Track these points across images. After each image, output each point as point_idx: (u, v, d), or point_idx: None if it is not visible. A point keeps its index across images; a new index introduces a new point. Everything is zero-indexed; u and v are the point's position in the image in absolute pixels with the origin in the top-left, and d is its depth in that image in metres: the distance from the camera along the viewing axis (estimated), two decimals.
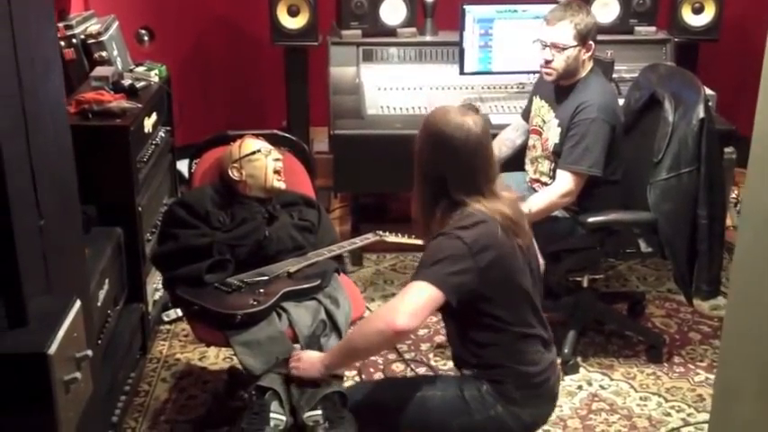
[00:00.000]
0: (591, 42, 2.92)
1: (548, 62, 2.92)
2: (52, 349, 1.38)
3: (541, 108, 3.08)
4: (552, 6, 3.02)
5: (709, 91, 3.88)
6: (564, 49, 2.87)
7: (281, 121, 4.35)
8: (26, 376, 1.39)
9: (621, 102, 3.18)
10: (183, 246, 2.56)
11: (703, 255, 2.83)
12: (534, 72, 3.87)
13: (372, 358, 3.09)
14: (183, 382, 2.98)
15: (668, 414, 2.80)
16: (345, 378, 2.83)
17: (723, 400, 1.91)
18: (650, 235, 2.94)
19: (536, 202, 2.85)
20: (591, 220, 2.83)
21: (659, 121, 2.91)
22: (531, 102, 3.21)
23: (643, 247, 2.99)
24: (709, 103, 2.90)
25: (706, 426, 2.70)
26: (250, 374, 2.32)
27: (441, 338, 3.21)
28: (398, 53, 3.97)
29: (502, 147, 3.23)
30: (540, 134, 3.06)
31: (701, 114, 2.78)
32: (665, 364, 3.07)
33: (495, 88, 3.84)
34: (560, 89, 2.99)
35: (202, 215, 2.63)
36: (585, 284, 3.14)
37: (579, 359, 3.07)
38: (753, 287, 1.68)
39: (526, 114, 3.24)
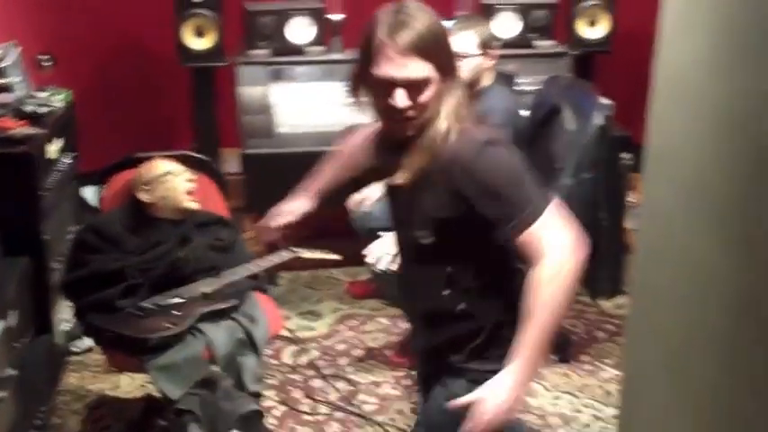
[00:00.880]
0: (491, 52, 3.04)
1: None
2: None
3: None
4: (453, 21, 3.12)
5: (606, 101, 4.07)
6: (468, 57, 2.97)
7: (190, 143, 4.31)
8: None
9: (526, 113, 3.30)
10: (94, 271, 2.52)
11: (604, 255, 2.95)
12: None
13: (291, 376, 3.09)
14: (96, 412, 2.91)
15: (579, 411, 2.91)
16: (264, 397, 2.84)
17: (630, 393, 2.00)
18: None
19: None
20: None
21: (560, 130, 3.04)
22: None
23: None
24: (607, 112, 3.04)
25: (615, 420, 2.82)
26: (168, 399, 2.30)
27: (359, 352, 3.24)
28: (308, 71, 3.98)
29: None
30: None
31: (599, 121, 2.92)
32: (575, 363, 3.18)
33: None
34: None
35: (113, 239, 2.59)
36: None
37: None
38: (651, 283, 1.77)
39: None
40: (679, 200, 1.66)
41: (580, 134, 2.95)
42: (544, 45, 4.22)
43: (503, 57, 4.05)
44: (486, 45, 3.02)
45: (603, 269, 2.94)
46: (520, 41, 4.18)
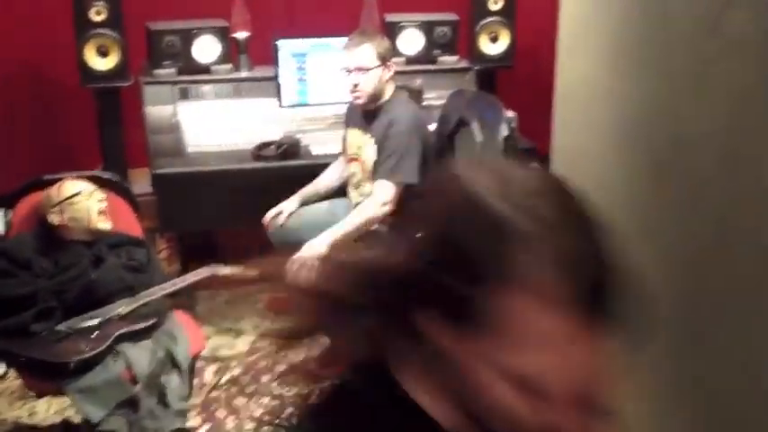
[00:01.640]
0: (390, 63, 3.09)
1: (355, 85, 3.06)
2: None
3: (355, 136, 3.23)
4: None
5: (510, 113, 4.22)
6: (368, 70, 3.03)
7: (95, 164, 4.21)
8: None
9: (433, 126, 3.39)
10: (5, 296, 2.45)
11: None
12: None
13: (213, 394, 3.06)
14: None
15: None
16: (189, 415, 2.80)
17: None
18: None
19: (357, 213, 3.01)
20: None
21: (469, 142, 3.14)
22: (345, 136, 3.34)
23: None
24: (512, 123, 3.16)
25: None
26: (89, 423, 2.25)
27: (282, 367, 3.23)
28: (215, 89, 3.97)
29: (330, 182, 3.39)
30: (358, 160, 3.19)
31: (505, 132, 3.03)
32: None
33: (313, 120, 3.95)
34: (369, 113, 3.14)
35: (23, 263, 2.53)
36: None
37: None
38: None
39: (344, 148, 3.37)
40: None
41: (488, 146, 3.06)
42: (448, 60, 4.34)
43: (408, 73, 4.17)
44: (383, 57, 3.07)
45: None
46: (424, 57, 4.28)
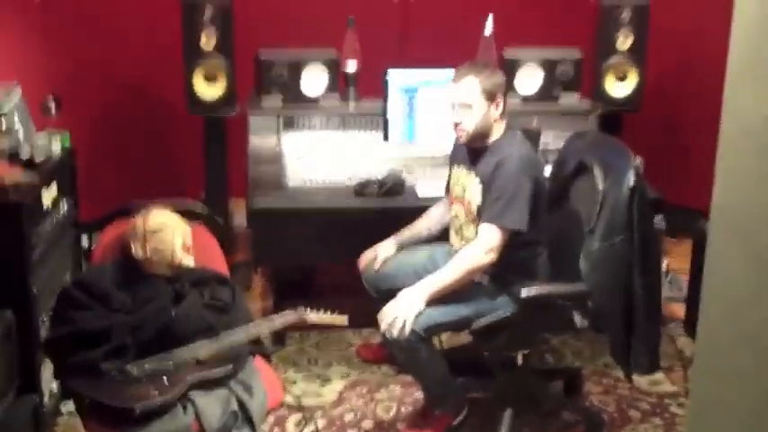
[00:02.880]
0: (499, 99, 2.81)
1: (457, 124, 2.82)
2: None
3: (460, 175, 2.97)
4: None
5: (638, 159, 3.87)
6: (471, 106, 2.77)
7: (199, 192, 4.15)
8: None
9: (548, 169, 3.10)
10: (78, 330, 2.31)
11: (640, 326, 2.71)
12: None
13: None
14: None
15: None
16: None
17: None
18: (585, 308, 2.80)
19: (458, 261, 2.76)
20: (524, 294, 2.67)
21: (588, 190, 2.82)
22: (450, 173, 3.09)
23: (578, 321, 2.85)
24: (639, 171, 2.82)
25: None
26: None
27: (368, 424, 2.99)
28: (321, 121, 3.83)
29: (431, 225, 3.12)
30: (461, 202, 2.94)
31: (632, 181, 2.70)
32: None
33: (422, 159, 3.73)
34: (476, 151, 2.88)
35: (101, 296, 2.39)
36: (520, 361, 2.98)
37: None
38: (715, 369, 1.52)
39: (447, 188, 3.12)
40: (749, 273, 1.41)
41: (611, 194, 2.73)
42: (569, 101, 4.05)
43: (525, 113, 3.90)
44: (491, 93, 2.78)
45: (640, 342, 2.69)
46: (544, 96, 4.02)
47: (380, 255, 3.03)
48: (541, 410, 3.07)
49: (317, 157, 3.69)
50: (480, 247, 2.73)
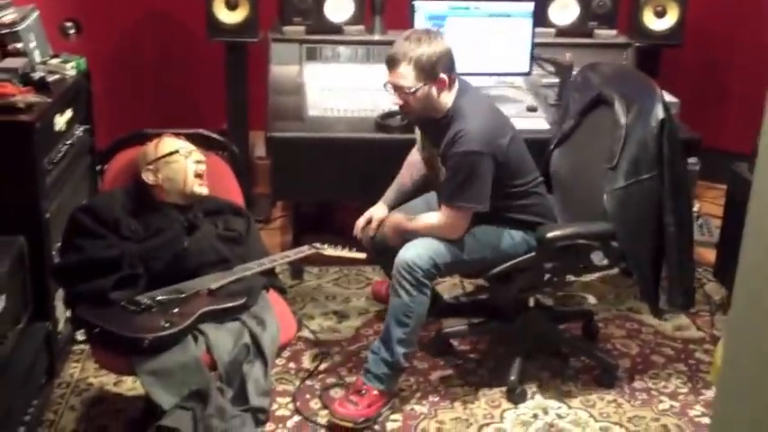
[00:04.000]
0: (443, 73, 2.54)
1: (401, 106, 2.62)
2: None
3: (422, 139, 2.80)
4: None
5: (671, 98, 3.70)
6: (411, 91, 2.54)
7: (220, 123, 4.06)
8: None
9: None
10: (87, 258, 2.25)
11: (673, 265, 2.60)
12: (490, 74, 3.66)
13: (309, 382, 2.81)
14: (94, 410, 2.65)
15: None
16: (273, 410, 2.55)
17: None
18: (609, 248, 2.69)
19: (420, 225, 2.66)
20: (551, 235, 2.57)
21: (608, 124, 2.67)
22: (418, 137, 2.89)
23: (596, 260, 2.74)
24: (668, 104, 2.66)
25: None
26: (159, 409, 2.02)
27: None
28: (344, 52, 3.71)
29: (412, 173, 2.93)
30: (431, 164, 2.79)
31: (661, 115, 2.55)
32: (627, 390, 2.83)
33: None
34: (430, 123, 2.66)
35: (111, 223, 2.32)
36: (532, 303, 2.89)
37: (534, 386, 2.83)
38: (756, 313, 1.41)
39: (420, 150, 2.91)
40: None
41: (636, 129, 2.59)
42: (605, 34, 3.89)
43: (558, 45, 3.74)
44: (429, 72, 2.51)
45: (675, 281, 2.60)
46: (578, 30, 3.87)
47: (375, 217, 2.84)
48: (560, 353, 3.00)
49: (339, 89, 3.57)
50: (442, 229, 2.60)
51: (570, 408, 2.73)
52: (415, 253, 2.56)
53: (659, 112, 2.56)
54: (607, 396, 2.79)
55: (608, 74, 2.89)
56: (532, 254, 2.66)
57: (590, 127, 2.86)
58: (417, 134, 2.86)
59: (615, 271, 2.84)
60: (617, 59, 3.81)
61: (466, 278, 3.30)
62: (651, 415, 2.70)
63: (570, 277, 2.83)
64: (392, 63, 2.57)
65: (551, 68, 3.58)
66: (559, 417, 2.68)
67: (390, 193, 2.92)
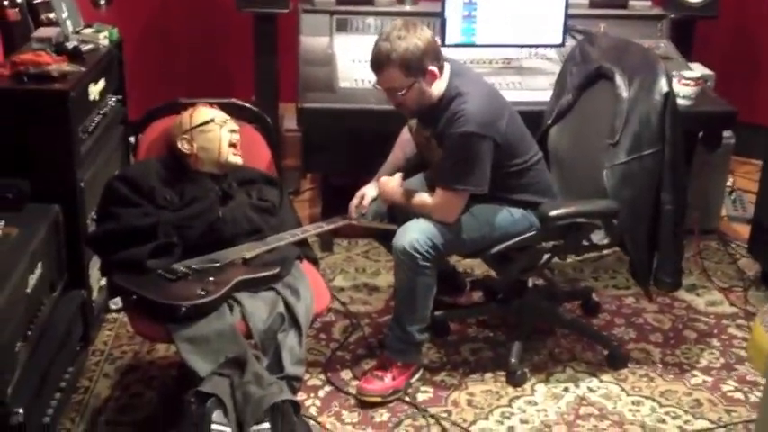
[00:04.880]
0: (431, 67, 2.45)
1: (396, 106, 2.55)
2: None
3: (413, 124, 2.72)
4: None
5: (705, 70, 3.64)
6: (402, 91, 2.46)
7: (248, 94, 4.05)
8: None
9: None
10: (123, 226, 2.27)
11: (667, 244, 2.57)
12: (522, 46, 3.62)
13: (340, 353, 2.82)
14: (127, 377, 2.69)
15: (663, 421, 2.54)
16: (305, 380, 2.57)
17: None
18: (610, 226, 2.63)
19: (415, 202, 2.59)
20: (553, 213, 2.51)
21: (609, 99, 2.62)
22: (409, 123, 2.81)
23: (597, 238, 2.68)
24: (670, 76, 2.61)
25: None
26: (195, 375, 2.04)
27: None
28: (375, 23, 3.68)
29: (405, 150, 2.85)
30: (424, 145, 2.72)
31: (665, 88, 2.49)
32: (659, 365, 2.82)
33: (479, 63, 3.56)
34: (426, 109, 2.56)
35: (146, 192, 2.34)
36: (530, 284, 2.88)
37: (566, 358, 2.83)
38: None
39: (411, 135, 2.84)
40: None
41: (638, 103, 2.53)
42: (640, 5, 3.85)
43: (591, 17, 3.68)
44: (416, 68, 2.42)
45: (665, 259, 2.58)
46: (613, 0, 3.80)
47: (367, 195, 2.78)
48: (554, 336, 2.96)
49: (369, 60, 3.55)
50: (437, 210, 2.52)
51: (602, 381, 2.72)
52: (412, 237, 2.48)
53: (663, 86, 2.50)
54: (639, 370, 2.78)
55: (607, 47, 2.81)
56: (533, 232, 2.61)
57: (589, 102, 2.80)
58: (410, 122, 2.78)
59: (615, 249, 2.79)
60: (651, 31, 3.76)
61: (465, 258, 3.21)
62: (683, 389, 2.69)
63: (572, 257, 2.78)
64: (377, 66, 2.46)
65: None
66: (590, 390, 2.68)
67: (383, 171, 2.83)
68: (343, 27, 3.67)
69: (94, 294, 2.83)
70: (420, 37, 2.43)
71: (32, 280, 2.23)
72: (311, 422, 2.41)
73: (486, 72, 3.50)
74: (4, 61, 2.69)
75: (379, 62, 2.45)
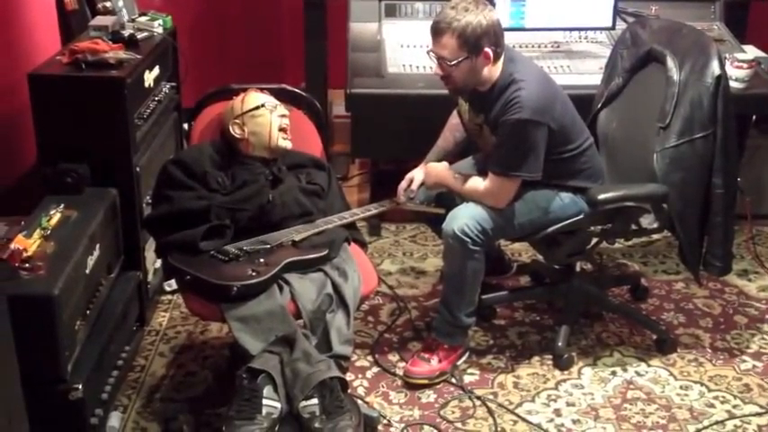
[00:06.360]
0: (488, 47, 2.43)
1: (442, 77, 2.53)
2: None
3: (466, 110, 2.71)
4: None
5: (760, 53, 3.57)
6: (455, 63, 2.44)
7: (299, 81, 4.10)
8: None
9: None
10: (178, 209, 2.34)
11: (717, 228, 2.54)
12: (571, 29, 3.60)
13: (388, 335, 2.86)
14: (182, 356, 2.77)
15: (711, 405, 2.53)
16: (353, 361, 2.61)
17: None
18: (659, 210, 2.62)
19: (467, 188, 2.59)
20: (602, 197, 2.50)
21: (659, 82, 2.59)
22: (459, 108, 2.82)
23: (647, 223, 2.67)
24: (723, 59, 2.56)
25: (753, 419, 2.45)
26: (247, 353, 2.10)
27: None
28: (423, 8, 3.69)
29: (455, 133, 2.85)
30: (476, 132, 2.71)
31: (717, 71, 2.46)
32: (708, 350, 2.80)
33: (528, 46, 3.55)
34: (476, 94, 2.57)
35: (200, 176, 2.40)
36: (578, 269, 2.87)
37: (613, 342, 2.82)
38: None
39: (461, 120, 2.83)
40: None
41: (690, 86, 2.50)
42: None
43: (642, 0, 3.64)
44: (474, 44, 2.40)
45: (715, 244, 2.56)
46: None
47: (416, 179, 2.80)
48: (602, 321, 2.95)
49: (418, 46, 3.56)
50: (488, 196, 2.52)
51: (649, 366, 2.71)
52: (463, 221, 2.50)
53: (715, 68, 2.46)
54: (688, 355, 2.77)
55: (658, 29, 2.78)
56: (581, 216, 2.60)
57: (639, 85, 2.77)
58: (461, 107, 2.79)
59: (665, 234, 2.76)
60: (704, 13, 3.69)
61: (512, 242, 3.20)
62: (733, 374, 2.67)
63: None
64: (436, 32, 2.47)
65: None
66: (638, 374, 2.67)
67: (432, 155, 2.85)
68: (391, 12, 3.69)
69: (150, 276, 2.91)
70: (486, 16, 2.43)
71: (91, 261, 2.32)
72: (359, 401, 2.46)
73: (535, 56, 3.48)
74: (62, 49, 2.78)
75: (440, 28, 2.46)
